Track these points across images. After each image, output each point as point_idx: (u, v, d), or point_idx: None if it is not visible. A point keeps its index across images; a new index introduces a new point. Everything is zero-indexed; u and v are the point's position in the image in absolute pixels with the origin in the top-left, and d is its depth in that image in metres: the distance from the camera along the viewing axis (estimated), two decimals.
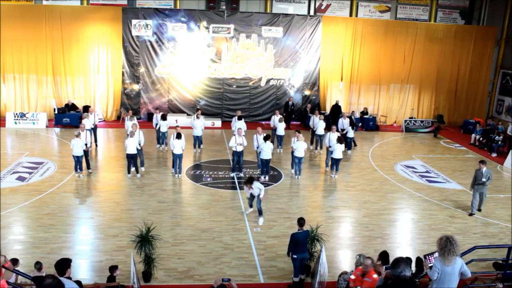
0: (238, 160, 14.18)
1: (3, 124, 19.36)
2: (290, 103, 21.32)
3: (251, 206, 11.46)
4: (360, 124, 20.79)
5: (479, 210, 12.12)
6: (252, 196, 11.21)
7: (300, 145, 13.90)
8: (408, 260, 5.33)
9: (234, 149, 14.13)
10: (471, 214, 11.94)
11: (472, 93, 23.70)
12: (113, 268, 7.62)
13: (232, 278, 5.93)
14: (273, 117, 17.55)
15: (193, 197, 12.56)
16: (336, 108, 20.79)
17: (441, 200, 12.98)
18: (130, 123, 15.65)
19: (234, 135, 14.32)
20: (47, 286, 3.92)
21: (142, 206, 11.66)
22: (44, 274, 7.09)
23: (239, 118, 16.70)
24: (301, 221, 8.26)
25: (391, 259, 7.23)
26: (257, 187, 10.89)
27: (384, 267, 6.44)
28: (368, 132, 21.26)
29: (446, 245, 5.71)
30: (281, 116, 17.20)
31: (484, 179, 11.71)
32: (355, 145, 18.36)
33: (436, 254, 6.03)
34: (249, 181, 10.92)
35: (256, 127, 14.66)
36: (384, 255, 7.24)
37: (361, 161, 16.62)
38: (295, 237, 8.09)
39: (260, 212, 11.01)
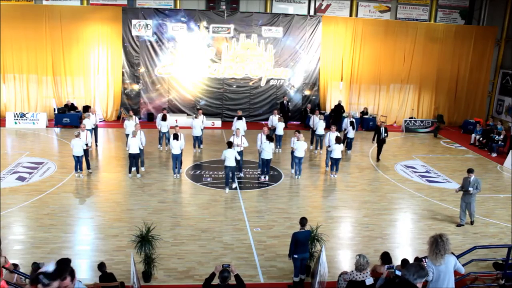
0: (237, 160, 14.17)
1: (3, 124, 19.36)
2: (285, 102, 21.32)
3: (228, 184, 12.93)
4: (386, 135, 16.64)
5: (471, 223, 11.31)
6: (226, 175, 12.82)
7: (300, 145, 13.90)
8: (420, 267, 5.14)
9: None
10: (459, 225, 11.29)
11: (472, 93, 23.71)
12: (103, 266, 7.62)
13: (231, 264, 5.96)
14: (271, 117, 17.57)
15: (193, 197, 12.56)
16: (339, 108, 20.79)
17: (441, 200, 12.98)
18: (128, 123, 15.68)
19: (233, 135, 14.34)
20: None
21: (142, 206, 11.66)
22: None
23: (239, 118, 16.71)
24: (303, 221, 8.24)
25: (392, 260, 7.26)
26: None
27: (385, 266, 6.44)
28: (368, 132, 21.23)
29: (433, 246, 5.73)
30: (280, 116, 17.20)
31: (470, 188, 10.99)
32: (378, 159, 16.54)
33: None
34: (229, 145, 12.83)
35: (262, 127, 14.66)
36: (385, 256, 7.23)
37: (361, 161, 16.62)
38: (297, 236, 8.08)
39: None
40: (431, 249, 5.77)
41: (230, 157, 12.78)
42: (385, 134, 16.44)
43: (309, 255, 8.63)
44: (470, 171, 11.19)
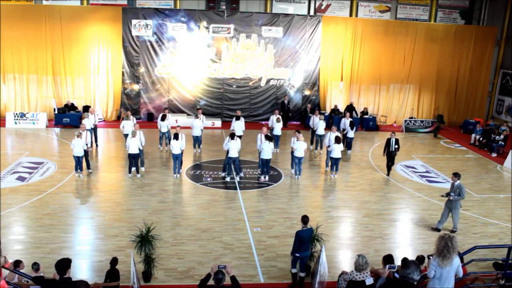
0: (234, 161, 14.08)
1: (3, 124, 19.36)
2: (286, 101, 21.35)
3: (225, 171, 13.72)
4: (396, 147, 14.86)
5: (452, 231, 10.65)
6: (228, 165, 13.56)
7: (300, 145, 13.89)
8: (419, 264, 5.28)
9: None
10: (435, 229, 10.86)
11: (472, 93, 23.70)
12: (115, 262, 7.67)
13: (227, 265, 5.93)
14: (271, 116, 17.58)
15: (193, 197, 12.56)
16: (351, 109, 20.79)
17: (441, 200, 12.94)
18: (126, 123, 15.70)
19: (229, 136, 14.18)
20: None
21: (142, 206, 11.66)
22: (42, 275, 7.10)
23: (237, 118, 16.70)
24: (305, 219, 8.24)
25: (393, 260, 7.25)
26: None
27: (387, 266, 6.45)
28: (368, 132, 21.26)
29: (443, 250, 5.70)
30: (279, 116, 17.20)
31: (452, 194, 10.56)
32: (388, 173, 14.96)
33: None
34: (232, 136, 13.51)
35: (261, 127, 14.64)
36: (388, 258, 7.23)
37: (361, 161, 16.61)
38: (300, 235, 8.09)
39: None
40: (440, 252, 5.74)
41: (233, 148, 13.37)
42: (396, 147, 14.66)
43: (310, 255, 8.64)
44: (455, 175, 10.70)
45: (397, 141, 14.76)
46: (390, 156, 14.76)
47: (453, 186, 10.70)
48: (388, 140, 14.79)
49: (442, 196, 11.13)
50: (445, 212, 10.90)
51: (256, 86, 22.05)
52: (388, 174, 14.87)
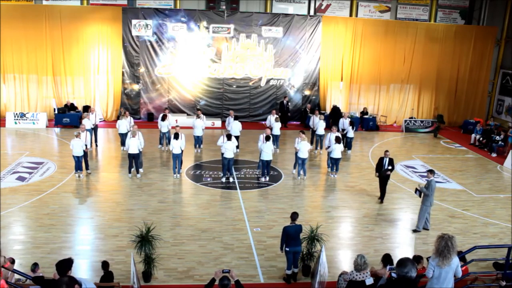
0: (229, 161, 13.90)
1: (3, 124, 19.37)
2: (285, 102, 21.35)
3: (225, 174, 13.65)
4: (390, 168, 12.49)
5: (415, 230, 10.78)
6: (223, 165, 13.49)
7: (303, 146, 13.83)
8: (414, 261, 5.32)
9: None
10: (424, 228, 10.80)
11: (472, 93, 23.70)
12: (107, 265, 7.68)
13: (231, 269, 5.92)
14: (269, 116, 17.57)
15: (193, 197, 12.56)
16: (335, 110, 20.79)
17: (441, 200, 12.97)
18: (121, 122, 15.75)
19: (223, 135, 14.00)
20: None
21: (142, 206, 11.66)
22: (41, 275, 7.10)
23: (235, 118, 16.67)
24: (293, 216, 8.39)
25: (393, 261, 7.25)
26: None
27: (388, 266, 6.45)
28: (368, 132, 21.26)
29: (443, 251, 5.71)
30: (277, 116, 17.17)
31: (424, 189, 10.60)
32: (381, 200, 12.72)
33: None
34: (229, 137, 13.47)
35: (265, 128, 14.59)
36: (386, 258, 7.24)
37: (361, 161, 16.62)
38: (287, 230, 8.22)
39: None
40: (440, 253, 5.74)
41: (229, 149, 13.33)
42: (389, 167, 12.41)
43: (309, 255, 8.65)
44: (429, 171, 10.78)
45: (391, 161, 12.46)
46: (382, 177, 12.54)
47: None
48: (381, 160, 12.59)
49: (417, 188, 11.01)
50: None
51: (256, 86, 22.05)
52: (381, 201, 12.62)
